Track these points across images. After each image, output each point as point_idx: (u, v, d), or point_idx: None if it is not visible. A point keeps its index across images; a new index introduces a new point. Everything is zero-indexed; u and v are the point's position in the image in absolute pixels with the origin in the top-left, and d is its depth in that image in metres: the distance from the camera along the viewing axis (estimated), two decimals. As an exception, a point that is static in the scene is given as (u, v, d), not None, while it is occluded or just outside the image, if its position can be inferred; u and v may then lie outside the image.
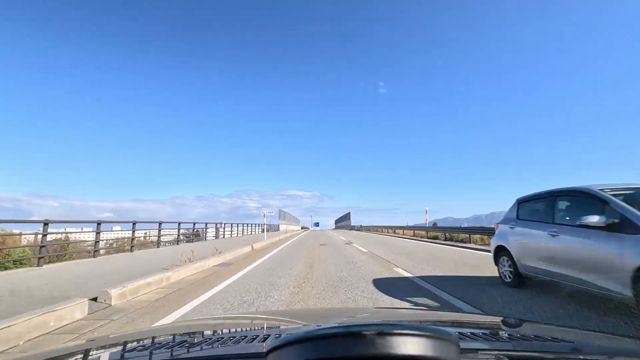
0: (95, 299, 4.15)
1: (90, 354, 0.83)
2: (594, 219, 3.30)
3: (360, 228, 45.30)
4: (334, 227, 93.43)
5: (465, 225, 19.76)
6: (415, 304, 4.09)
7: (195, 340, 0.90)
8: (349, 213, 62.51)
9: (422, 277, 5.94)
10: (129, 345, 0.90)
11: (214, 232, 18.86)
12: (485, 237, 13.06)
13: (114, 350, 0.87)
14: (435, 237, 18.09)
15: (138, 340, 0.95)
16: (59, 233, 10.58)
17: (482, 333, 0.87)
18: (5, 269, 10.20)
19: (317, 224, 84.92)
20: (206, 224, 17.48)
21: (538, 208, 4.55)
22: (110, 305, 4.14)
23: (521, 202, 5.03)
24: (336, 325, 0.61)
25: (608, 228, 3.22)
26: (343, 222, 76.10)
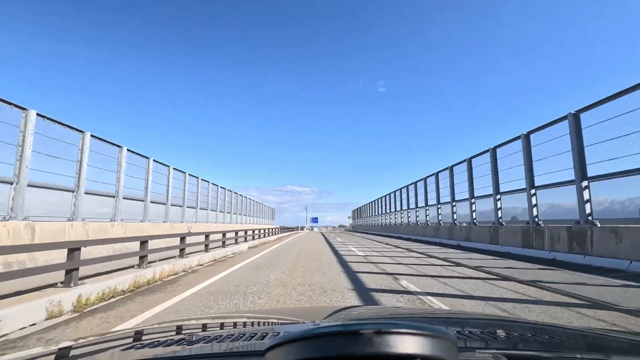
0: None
1: (88, 351, 0.83)
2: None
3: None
4: (350, 228, 56.01)
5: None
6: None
7: (194, 338, 0.88)
8: (470, 159, 14.60)
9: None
10: (126, 343, 0.87)
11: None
12: None
13: (111, 347, 0.85)
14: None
15: (136, 338, 0.93)
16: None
17: (480, 332, 0.88)
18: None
19: (315, 220, 67.79)
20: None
21: None
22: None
23: None
24: (334, 323, 0.59)
25: None
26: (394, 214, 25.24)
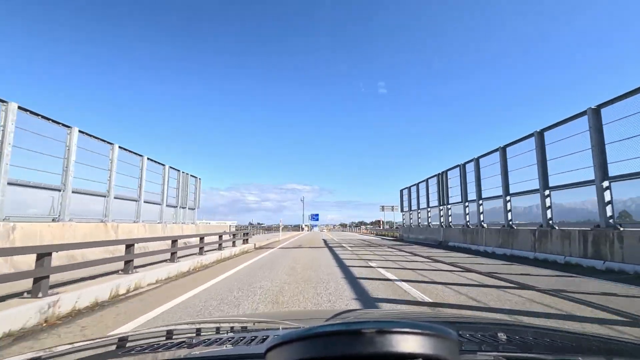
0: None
1: (88, 354, 0.83)
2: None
3: None
4: (403, 234, 27.37)
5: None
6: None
7: (194, 342, 0.90)
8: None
9: None
10: (127, 346, 0.89)
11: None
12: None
13: (111, 350, 0.87)
14: None
15: (136, 341, 0.95)
16: None
17: (482, 335, 0.87)
18: None
19: (315, 218, 61.04)
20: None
21: None
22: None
23: None
24: (336, 323, 0.60)
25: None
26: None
